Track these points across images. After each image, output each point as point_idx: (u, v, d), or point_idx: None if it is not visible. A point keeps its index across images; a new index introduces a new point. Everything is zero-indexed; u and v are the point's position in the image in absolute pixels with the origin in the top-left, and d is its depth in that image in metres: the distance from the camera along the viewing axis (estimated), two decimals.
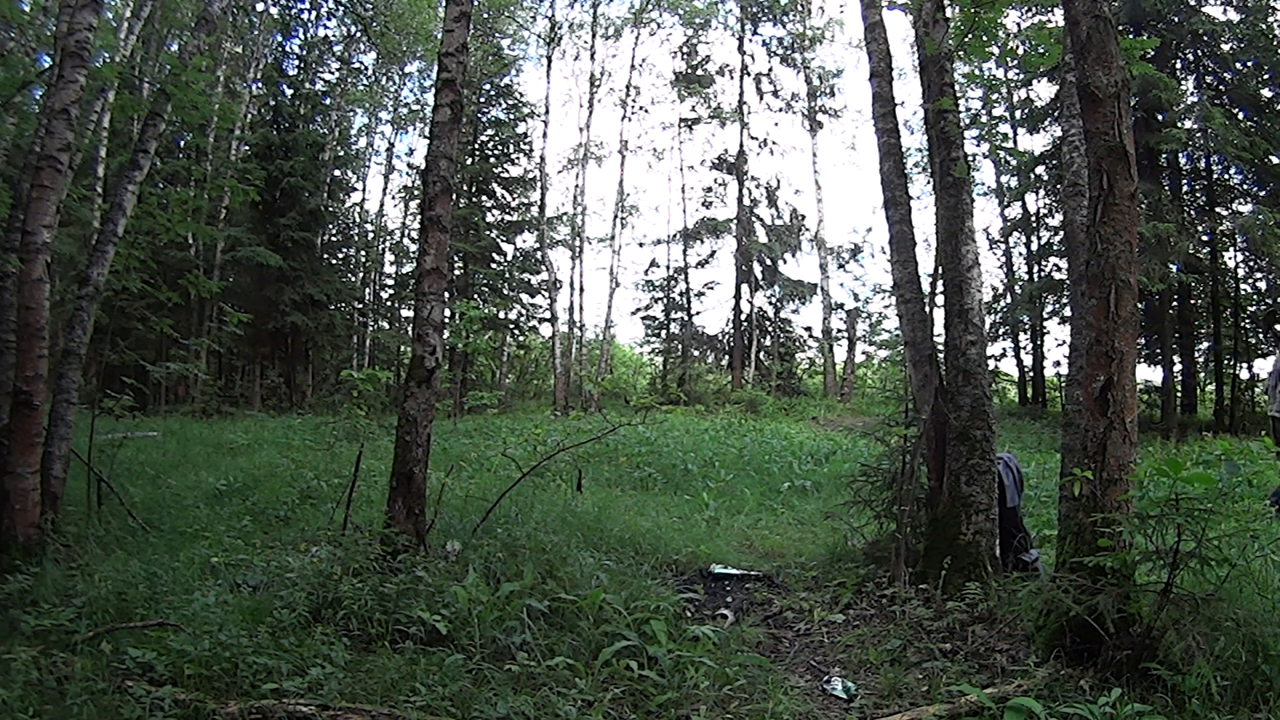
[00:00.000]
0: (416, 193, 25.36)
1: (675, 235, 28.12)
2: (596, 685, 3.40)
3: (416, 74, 26.90)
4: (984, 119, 23.18)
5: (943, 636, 4.16)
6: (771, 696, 3.45)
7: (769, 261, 26.85)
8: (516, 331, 26.53)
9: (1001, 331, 23.75)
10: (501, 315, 24.08)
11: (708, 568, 5.82)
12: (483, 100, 24.93)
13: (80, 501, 5.98)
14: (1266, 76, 17.34)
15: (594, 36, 25.82)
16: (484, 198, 25.28)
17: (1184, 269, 17.37)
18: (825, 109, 27.79)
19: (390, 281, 27.38)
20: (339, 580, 4.09)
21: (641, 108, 27.98)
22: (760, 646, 4.35)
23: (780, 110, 27.57)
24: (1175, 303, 18.23)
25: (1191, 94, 17.84)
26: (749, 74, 27.17)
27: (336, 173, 24.96)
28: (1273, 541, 3.76)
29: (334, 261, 25.31)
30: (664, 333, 28.65)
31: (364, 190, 28.03)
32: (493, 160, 25.44)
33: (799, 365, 28.61)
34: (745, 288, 26.94)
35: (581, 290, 25.17)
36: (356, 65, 26.11)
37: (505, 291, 24.89)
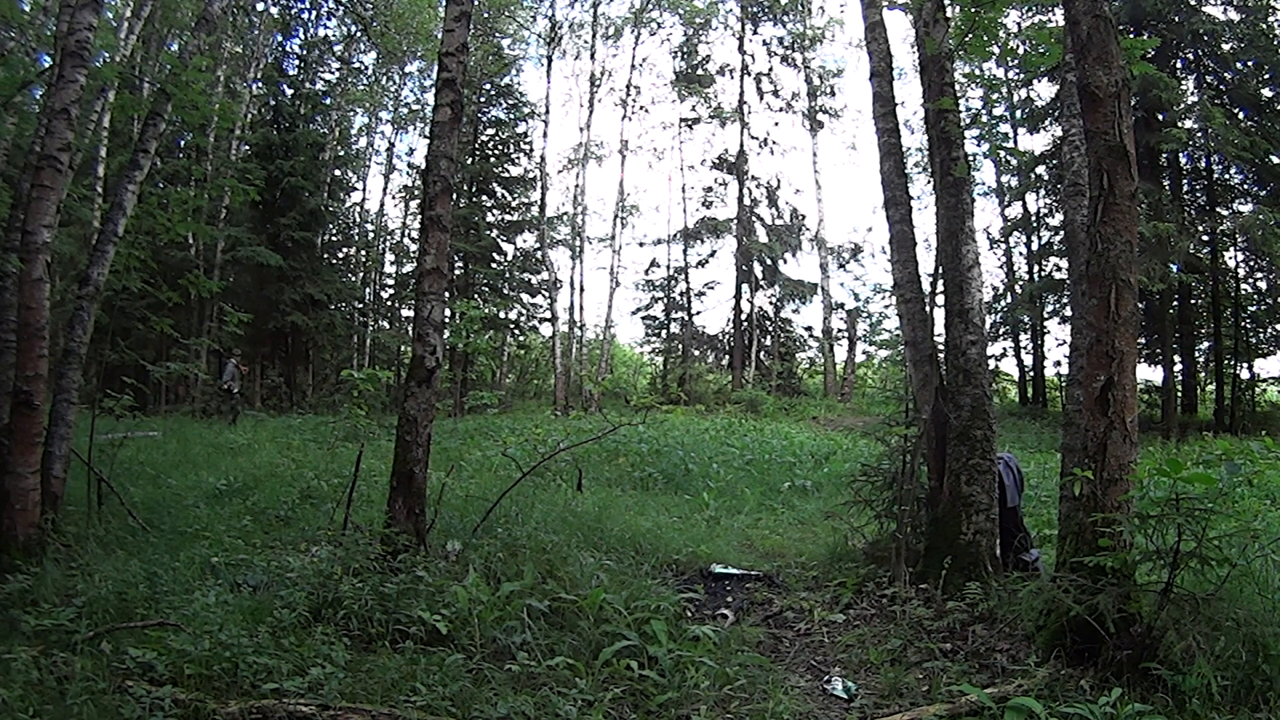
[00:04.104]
0: (416, 192, 25.35)
1: (675, 235, 28.13)
2: (597, 685, 3.40)
3: (416, 74, 26.96)
4: (984, 119, 23.21)
5: (943, 636, 4.16)
6: (772, 696, 3.45)
7: (769, 261, 26.85)
8: (517, 331, 26.52)
9: (1002, 331, 23.77)
10: (502, 315, 24.06)
11: (708, 567, 5.82)
12: (483, 100, 24.93)
13: (80, 501, 5.96)
14: (1267, 76, 17.35)
15: (594, 36, 25.85)
16: (484, 197, 25.27)
17: (1184, 269, 17.38)
18: (825, 109, 27.83)
19: (390, 281, 27.42)
20: (339, 580, 4.09)
21: (641, 107, 28.02)
22: (760, 646, 4.35)
23: (780, 110, 27.60)
24: (1175, 303, 18.24)
25: (1192, 94, 17.86)
26: (749, 74, 27.19)
27: (336, 172, 24.95)
28: (1273, 541, 3.75)
29: (334, 261, 25.32)
30: (664, 333, 28.65)
31: (364, 190, 28.10)
32: (493, 160, 25.43)
33: (799, 365, 28.61)
34: (745, 287, 26.94)
35: (581, 290, 25.24)
36: (356, 65, 26.14)
37: (505, 291, 24.88)
